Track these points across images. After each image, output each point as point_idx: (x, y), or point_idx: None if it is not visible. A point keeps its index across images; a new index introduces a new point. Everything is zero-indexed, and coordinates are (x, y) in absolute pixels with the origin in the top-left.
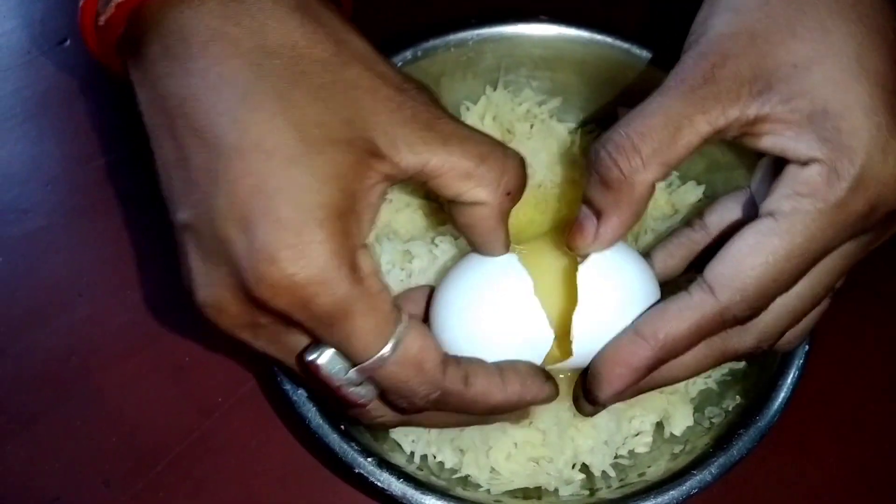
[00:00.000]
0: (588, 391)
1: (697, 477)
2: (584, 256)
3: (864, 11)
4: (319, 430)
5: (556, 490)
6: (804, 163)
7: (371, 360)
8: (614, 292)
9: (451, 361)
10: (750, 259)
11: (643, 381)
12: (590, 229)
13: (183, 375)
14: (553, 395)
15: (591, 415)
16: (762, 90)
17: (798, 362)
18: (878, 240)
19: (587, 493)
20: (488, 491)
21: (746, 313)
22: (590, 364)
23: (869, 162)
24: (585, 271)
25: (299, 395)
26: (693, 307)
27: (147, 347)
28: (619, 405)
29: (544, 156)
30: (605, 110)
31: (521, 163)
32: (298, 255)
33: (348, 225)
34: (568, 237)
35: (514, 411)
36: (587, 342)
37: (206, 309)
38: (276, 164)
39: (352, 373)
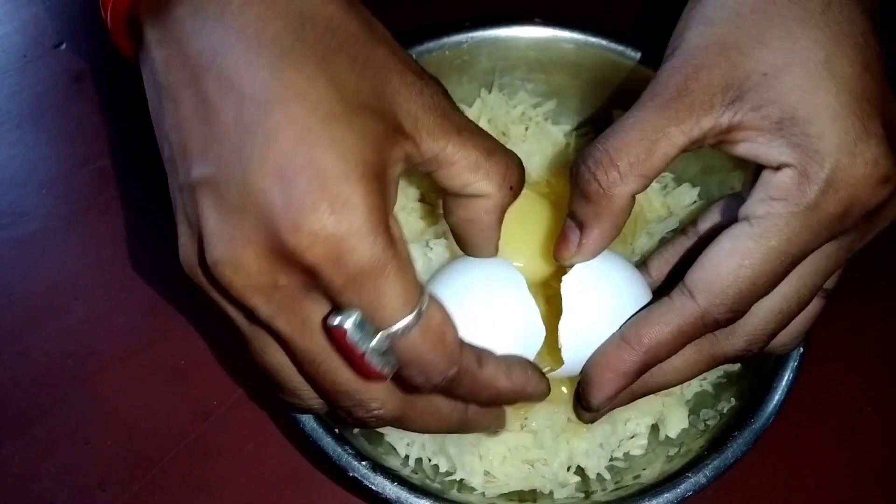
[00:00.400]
0: (582, 398)
1: (692, 479)
2: (569, 267)
3: (833, 18)
4: (314, 434)
5: (552, 493)
6: (776, 168)
7: (397, 326)
8: (600, 300)
9: (464, 342)
10: (726, 263)
11: (636, 387)
12: (573, 241)
13: (179, 379)
14: (547, 392)
15: (591, 422)
16: (734, 99)
17: (792, 364)
18: (861, 240)
19: (582, 495)
20: (483, 494)
21: (727, 316)
22: (581, 371)
23: (838, 164)
24: (569, 281)
25: None
26: (674, 312)
27: (143, 351)
28: None
29: (539, 158)
30: (599, 113)
31: (521, 161)
32: (340, 207)
33: (384, 187)
34: (554, 249)
35: (511, 403)
36: (576, 349)
37: (220, 268)
38: (318, 118)
39: (378, 338)
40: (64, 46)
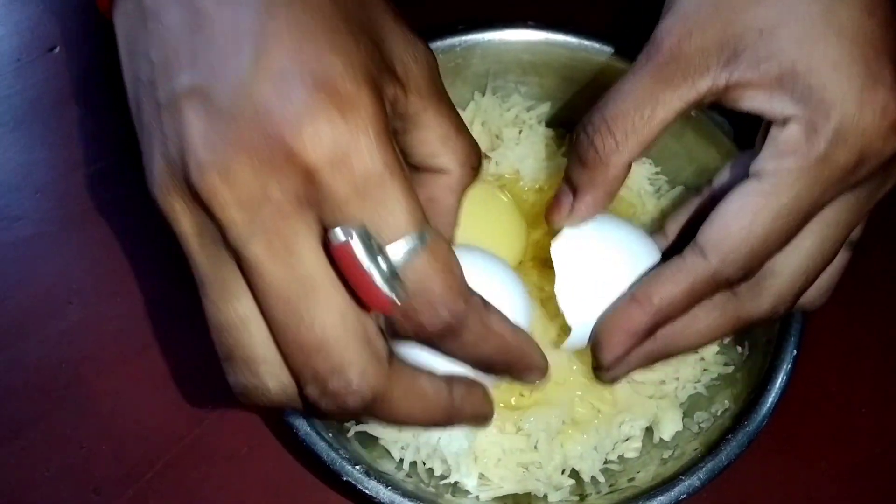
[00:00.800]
0: (593, 358)
1: (686, 482)
2: (558, 231)
3: None
4: (308, 439)
5: (546, 496)
6: (783, 122)
7: (405, 246)
8: (597, 261)
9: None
10: (736, 222)
11: (657, 349)
12: (566, 204)
13: (173, 383)
14: (545, 367)
15: (611, 382)
16: (730, 59)
17: (786, 367)
18: (880, 189)
19: (577, 498)
20: (477, 498)
21: (739, 274)
22: (592, 331)
23: (845, 114)
24: (560, 243)
25: None
26: (686, 270)
27: (138, 355)
28: (607, 410)
29: (532, 161)
30: None
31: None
32: (349, 108)
33: (385, 106)
34: (546, 213)
35: (511, 368)
36: (580, 314)
37: (206, 175)
38: (322, 27)
39: (390, 249)
40: (58, 50)
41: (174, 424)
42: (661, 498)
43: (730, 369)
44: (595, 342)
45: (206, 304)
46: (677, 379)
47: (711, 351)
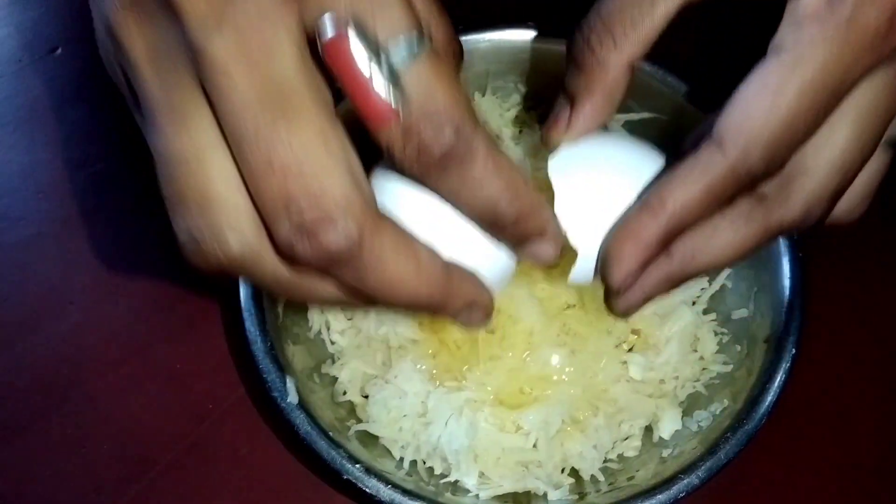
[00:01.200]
0: (602, 279)
1: (685, 480)
2: (555, 149)
3: None
4: (308, 437)
5: (545, 494)
6: None
7: (404, 46)
8: (600, 176)
9: None
10: (756, 104)
11: (677, 270)
12: (563, 118)
13: (175, 382)
14: (561, 240)
15: (625, 314)
16: None
17: (785, 366)
18: None
19: (576, 497)
20: (477, 496)
21: (763, 166)
22: (599, 252)
23: None
24: (557, 161)
25: (288, 403)
26: (701, 167)
27: (139, 354)
28: (606, 408)
29: (532, 161)
30: None
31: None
32: None
33: None
34: (542, 133)
35: (520, 228)
36: (585, 235)
37: None
38: None
39: (390, 48)
40: (59, 51)
41: (175, 424)
42: (660, 496)
43: (729, 368)
44: (604, 261)
45: (154, 135)
46: (676, 378)
47: (711, 350)
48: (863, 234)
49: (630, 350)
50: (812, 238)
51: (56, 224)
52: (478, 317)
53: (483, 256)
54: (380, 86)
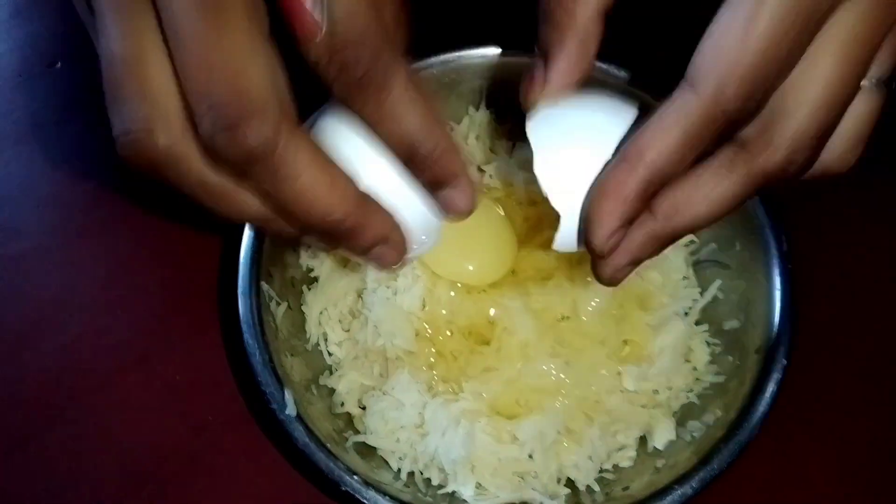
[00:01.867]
0: (585, 241)
1: (679, 491)
2: (534, 110)
3: None
4: (306, 449)
5: None
6: None
7: None
8: (579, 135)
9: None
10: (727, 38)
11: (662, 228)
12: (539, 77)
13: (174, 395)
14: (473, 189)
15: (611, 283)
16: None
17: (776, 377)
18: None
19: None
20: None
21: (739, 105)
22: (581, 214)
23: None
24: (535, 122)
25: (286, 415)
26: (675, 112)
27: (138, 367)
28: (601, 419)
29: (525, 174)
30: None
31: None
32: None
33: None
34: (520, 95)
35: (434, 164)
36: (566, 197)
37: None
38: None
39: None
40: (59, 65)
41: (174, 437)
42: None
43: (721, 378)
44: (585, 222)
45: (103, 38)
46: (670, 388)
47: (703, 360)
48: (854, 241)
49: (624, 361)
50: (804, 244)
51: (55, 237)
52: (389, 256)
53: (410, 207)
54: (309, 2)
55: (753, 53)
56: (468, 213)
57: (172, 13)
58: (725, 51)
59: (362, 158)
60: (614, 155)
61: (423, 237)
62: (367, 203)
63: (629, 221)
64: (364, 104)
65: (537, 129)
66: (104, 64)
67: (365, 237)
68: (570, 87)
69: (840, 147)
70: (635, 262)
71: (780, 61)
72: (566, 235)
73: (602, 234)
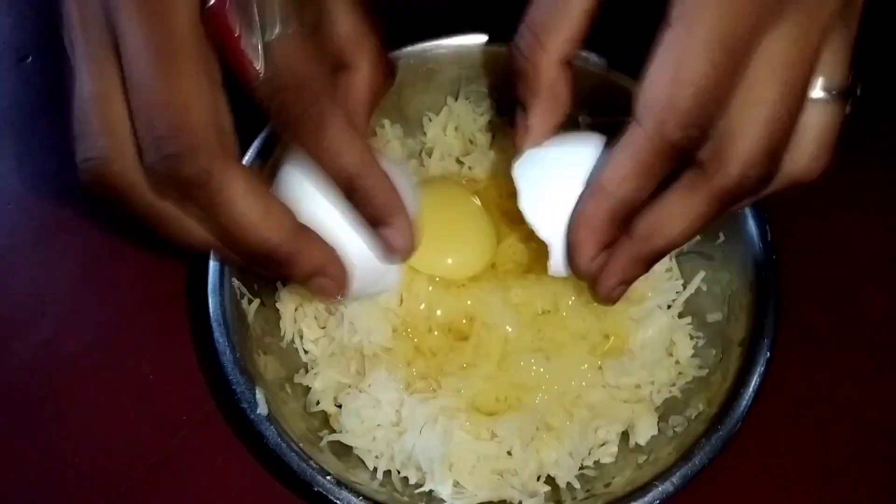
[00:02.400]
0: (572, 269)
1: (660, 488)
2: (520, 155)
3: None
4: (278, 449)
5: (521, 503)
6: None
7: (279, 22)
8: (557, 173)
9: None
10: (661, 75)
11: (637, 248)
12: (522, 125)
13: (148, 394)
14: (411, 234)
15: (607, 299)
16: None
17: (760, 370)
18: (821, 9)
19: None
20: None
21: (680, 134)
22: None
23: None
24: (520, 164)
25: (257, 415)
26: (627, 146)
27: (112, 366)
28: (582, 414)
29: (506, 167)
30: (566, 119)
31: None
32: None
33: None
34: (513, 141)
35: (373, 204)
36: (552, 228)
37: None
38: None
39: (266, 24)
40: (30, 60)
41: (148, 437)
42: None
43: (704, 372)
44: (567, 252)
45: (76, 82)
46: (652, 383)
47: (686, 354)
48: (835, 233)
49: (606, 355)
50: (788, 237)
51: (27, 235)
52: (329, 287)
53: (359, 246)
54: (250, 49)
55: (688, 86)
56: (406, 253)
57: (130, 59)
58: (661, 90)
59: (315, 202)
60: (585, 188)
61: (376, 276)
62: (304, 233)
63: (605, 245)
64: (305, 140)
65: (521, 169)
66: (76, 101)
67: (301, 266)
68: (550, 132)
69: (804, 158)
70: (626, 282)
71: (712, 91)
72: (557, 262)
73: (583, 260)
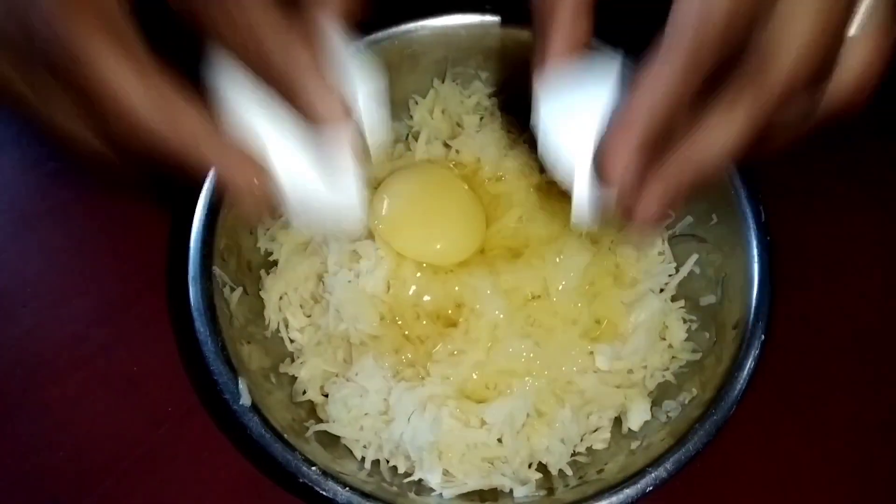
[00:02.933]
0: (600, 177)
1: (653, 474)
2: (540, 91)
3: None
4: (261, 440)
5: (511, 491)
6: None
7: None
8: (580, 110)
9: None
10: None
11: (676, 172)
12: (540, 52)
13: (132, 386)
14: (336, 109)
15: (644, 229)
16: None
17: (754, 353)
18: None
19: (544, 492)
20: (441, 495)
21: (720, 43)
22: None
23: None
24: (542, 110)
25: (240, 406)
26: (661, 61)
27: (95, 358)
28: (573, 400)
29: (494, 150)
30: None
31: None
32: None
33: None
34: (532, 76)
35: (288, 80)
36: (576, 171)
37: None
38: None
39: None
40: None
41: (132, 430)
42: (628, 491)
43: (698, 356)
44: (598, 161)
45: (40, 120)
46: (645, 367)
47: (679, 338)
48: (828, 213)
49: (597, 340)
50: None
51: (8, 225)
52: (247, 195)
53: (297, 157)
54: None
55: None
56: (330, 121)
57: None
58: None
59: (245, 108)
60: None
61: (325, 196)
62: (208, 124)
63: (641, 151)
64: (207, 16)
65: (543, 108)
66: (44, 130)
67: (201, 162)
68: (573, 53)
69: (850, 74)
70: (666, 206)
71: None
72: (580, 210)
73: (616, 168)
